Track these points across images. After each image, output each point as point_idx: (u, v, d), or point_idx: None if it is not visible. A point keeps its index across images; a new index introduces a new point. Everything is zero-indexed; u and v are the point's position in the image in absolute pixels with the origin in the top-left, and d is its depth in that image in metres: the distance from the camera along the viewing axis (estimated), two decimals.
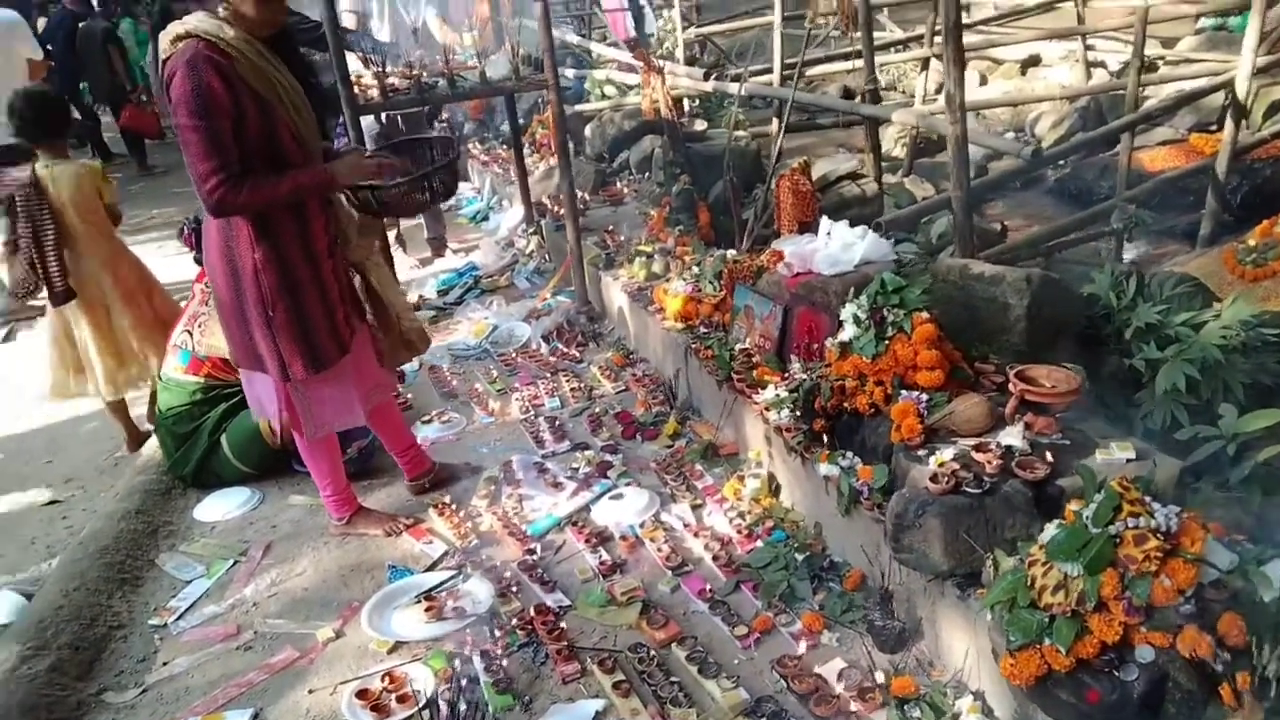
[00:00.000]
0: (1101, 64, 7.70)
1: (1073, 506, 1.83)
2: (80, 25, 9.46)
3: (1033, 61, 8.53)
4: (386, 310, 2.91)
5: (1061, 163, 5.96)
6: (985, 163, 6.41)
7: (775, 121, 5.15)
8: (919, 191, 6.18)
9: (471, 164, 7.82)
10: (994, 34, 8.62)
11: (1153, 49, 7.58)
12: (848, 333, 2.76)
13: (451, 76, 4.28)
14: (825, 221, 3.34)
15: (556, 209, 5.57)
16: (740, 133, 6.33)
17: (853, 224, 3.36)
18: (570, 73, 8.75)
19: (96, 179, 3.58)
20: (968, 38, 8.56)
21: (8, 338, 5.30)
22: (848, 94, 7.72)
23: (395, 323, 2.93)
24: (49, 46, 9.86)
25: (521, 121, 7.69)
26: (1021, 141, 7.50)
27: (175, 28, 2.34)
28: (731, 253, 4.16)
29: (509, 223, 6.29)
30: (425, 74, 4.38)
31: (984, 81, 8.49)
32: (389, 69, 4.43)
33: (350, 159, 2.60)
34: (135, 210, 7.66)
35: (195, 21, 2.36)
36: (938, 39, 7.85)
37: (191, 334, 3.28)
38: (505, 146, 7.20)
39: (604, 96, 7.95)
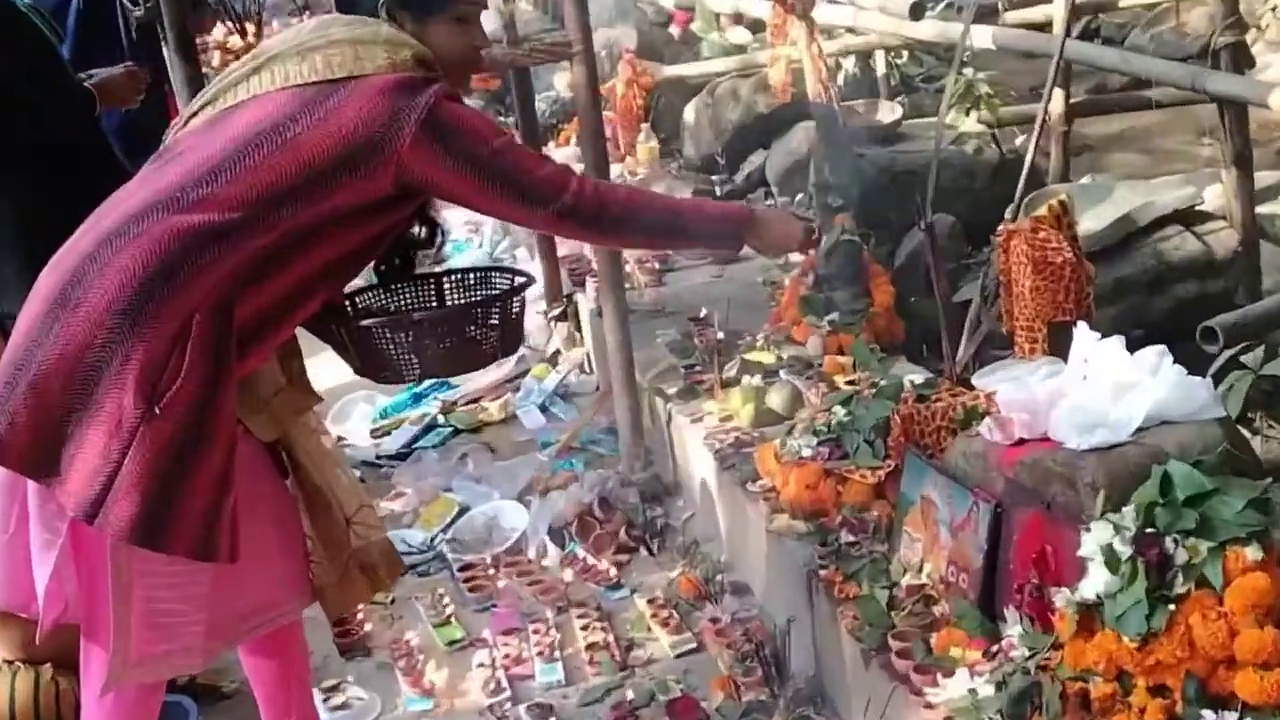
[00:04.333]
0: None
1: None
2: None
3: None
4: (327, 507, 3.15)
5: None
6: None
7: (1046, 100, 5.08)
8: None
9: None
10: None
11: None
12: (1093, 582, 2.70)
13: None
14: (1082, 334, 3.26)
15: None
16: (970, 124, 6.33)
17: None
18: (666, 1, 9.02)
19: None
20: None
21: None
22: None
23: (342, 533, 3.18)
24: None
25: (556, 100, 7.99)
26: None
27: (398, 36, 2.97)
28: (917, 379, 4.13)
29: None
30: None
31: None
32: (272, 22, 4.67)
33: (782, 212, 3.23)
34: None
35: (422, 48, 2.97)
36: None
37: None
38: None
39: (725, 50, 8.13)
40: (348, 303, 3.28)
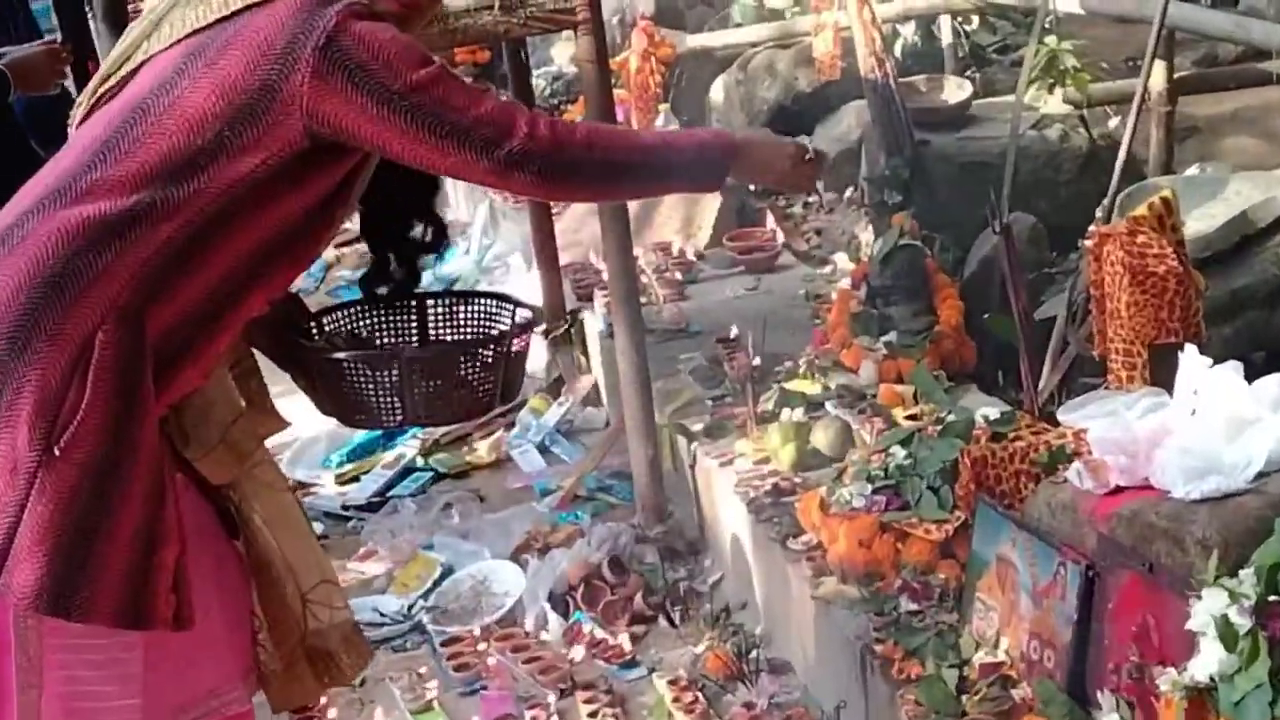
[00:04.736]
0: None
1: None
2: None
3: None
4: (277, 582, 3.12)
5: None
6: None
7: (1145, 75, 5.06)
8: None
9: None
10: None
11: None
12: (1205, 661, 2.67)
13: None
14: (1190, 359, 3.24)
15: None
16: (1054, 104, 6.33)
17: None
18: None
19: None
20: None
21: None
22: None
23: (294, 615, 3.16)
24: None
25: (557, 76, 7.98)
26: None
27: None
28: (991, 413, 4.13)
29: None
30: None
31: None
32: None
33: (766, 134, 3.21)
34: None
35: None
36: None
37: None
38: None
39: (760, 14, 8.20)
40: (313, 325, 3.28)
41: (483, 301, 3.41)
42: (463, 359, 3.18)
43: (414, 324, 3.35)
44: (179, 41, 2.79)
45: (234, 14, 2.76)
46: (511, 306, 3.33)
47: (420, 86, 2.74)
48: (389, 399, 3.13)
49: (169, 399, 2.87)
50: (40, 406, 2.68)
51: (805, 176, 3.21)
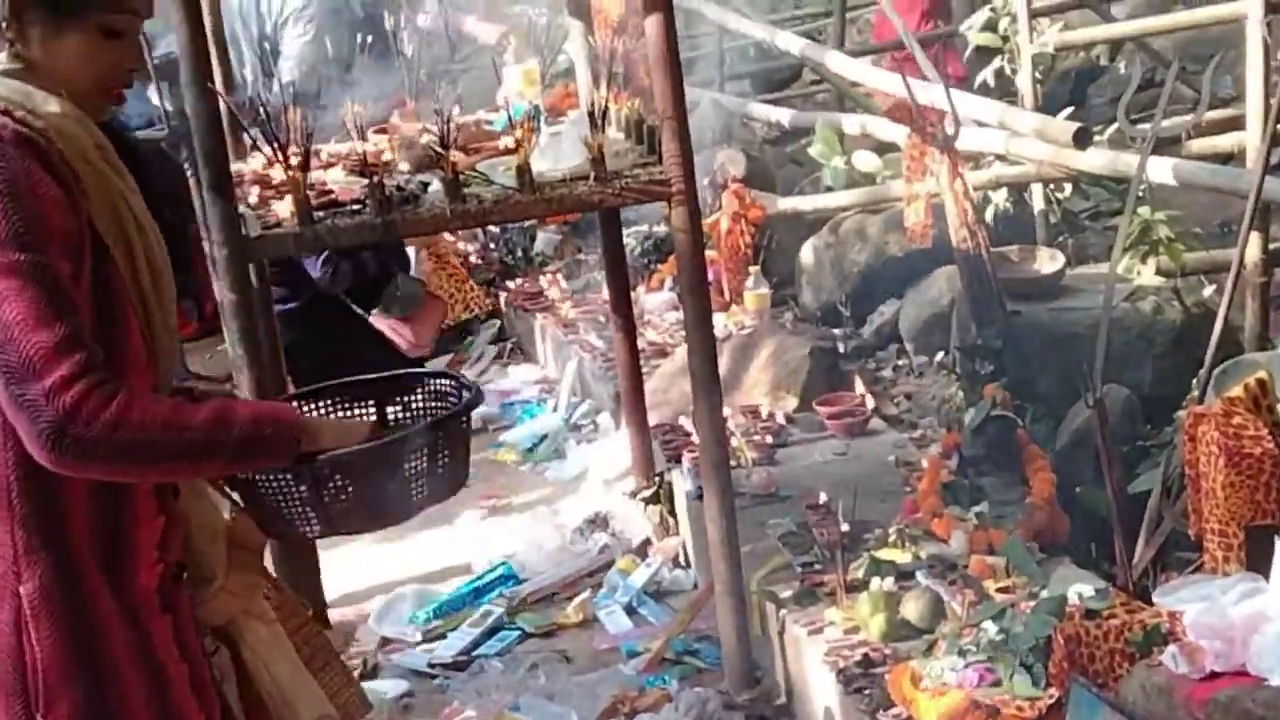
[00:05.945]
0: None
1: None
2: None
3: None
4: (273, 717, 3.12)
5: None
6: None
7: (1241, 248, 5.10)
8: None
9: (541, 323, 8.17)
10: None
11: None
12: None
13: (456, 174, 4.56)
14: None
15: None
16: (1148, 275, 6.34)
17: None
18: (781, 116, 9.18)
19: None
20: None
21: None
22: None
23: None
24: None
25: (649, 235, 8.10)
26: None
27: None
28: (1085, 590, 4.12)
29: (601, 469, 6.53)
30: (401, 168, 4.76)
31: None
32: (321, 152, 4.83)
33: (356, 425, 3.09)
34: None
35: None
36: None
37: None
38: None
39: (851, 178, 8.27)
40: None
41: (435, 381, 3.34)
42: (387, 459, 3.00)
43: (372, 412, 3.30)
44: None
45: None
46: (456, 387, 3.26)
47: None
48: (302, 510, 2.97)
49: (150, 539, 2.79)
50: (7, 681, 2.66)
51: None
